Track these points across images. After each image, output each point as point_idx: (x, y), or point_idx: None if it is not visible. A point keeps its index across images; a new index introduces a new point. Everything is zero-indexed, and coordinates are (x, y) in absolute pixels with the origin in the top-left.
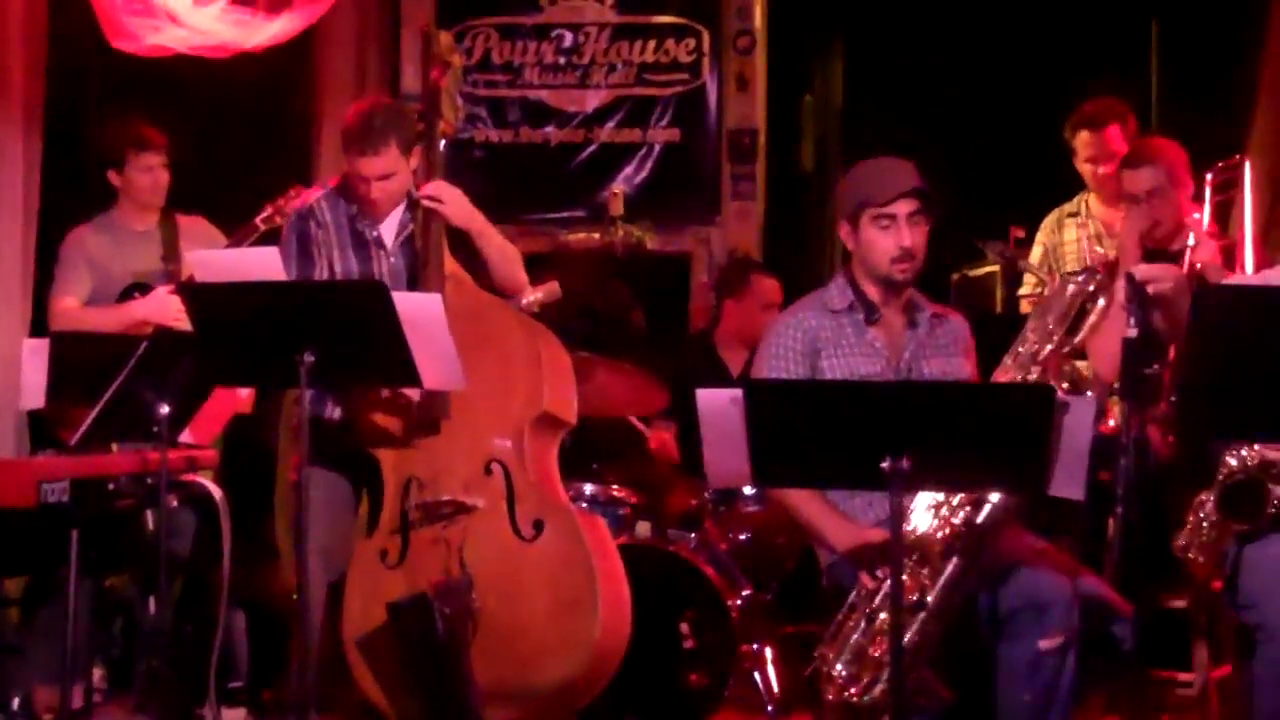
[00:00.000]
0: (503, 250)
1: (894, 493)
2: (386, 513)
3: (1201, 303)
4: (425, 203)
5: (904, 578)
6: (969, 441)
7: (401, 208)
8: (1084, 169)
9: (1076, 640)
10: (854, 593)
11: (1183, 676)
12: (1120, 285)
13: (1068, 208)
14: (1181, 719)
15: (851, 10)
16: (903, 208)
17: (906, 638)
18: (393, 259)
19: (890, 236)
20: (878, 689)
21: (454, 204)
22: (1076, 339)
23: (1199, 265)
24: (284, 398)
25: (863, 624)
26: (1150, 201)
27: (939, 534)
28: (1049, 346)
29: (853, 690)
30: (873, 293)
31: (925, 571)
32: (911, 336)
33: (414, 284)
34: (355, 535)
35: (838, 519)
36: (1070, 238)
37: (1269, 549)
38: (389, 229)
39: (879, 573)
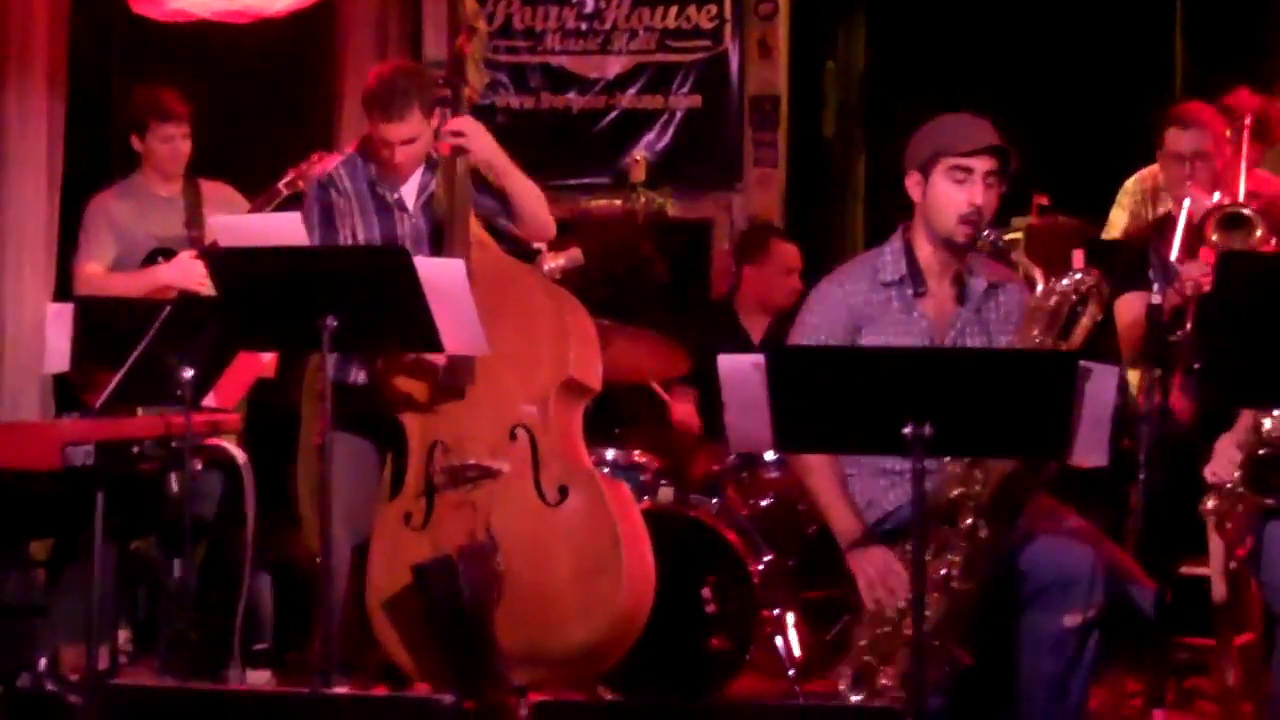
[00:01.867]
0: (527, 188)
1: (916, 458)
2: (411, 476)
3: (1226, 269)
4: (450, 139)
5: (903, 596)
6: (991, 408)
7: (422, 168)
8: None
9: (1101, 615)
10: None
11: (1204, 643)
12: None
13: (1158, 179)
14: (1202, 685)
15: None
16: (981, 164)
17: (929, 613)
18: (414, 220)
19: (963, 191)
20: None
21: (477, 138)
22: (1068, 344)
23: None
24: (307, 362)
25: (871, 643)
26: (1194, 163)
27: (938, 567)
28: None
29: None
30: (929, 257)
31: (950, 547)
32: (959, 313)
33: (437, 244)
34: (380, 498)
35: (849, 512)
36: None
37: None
38: (409, 191)
39: (880, 598)
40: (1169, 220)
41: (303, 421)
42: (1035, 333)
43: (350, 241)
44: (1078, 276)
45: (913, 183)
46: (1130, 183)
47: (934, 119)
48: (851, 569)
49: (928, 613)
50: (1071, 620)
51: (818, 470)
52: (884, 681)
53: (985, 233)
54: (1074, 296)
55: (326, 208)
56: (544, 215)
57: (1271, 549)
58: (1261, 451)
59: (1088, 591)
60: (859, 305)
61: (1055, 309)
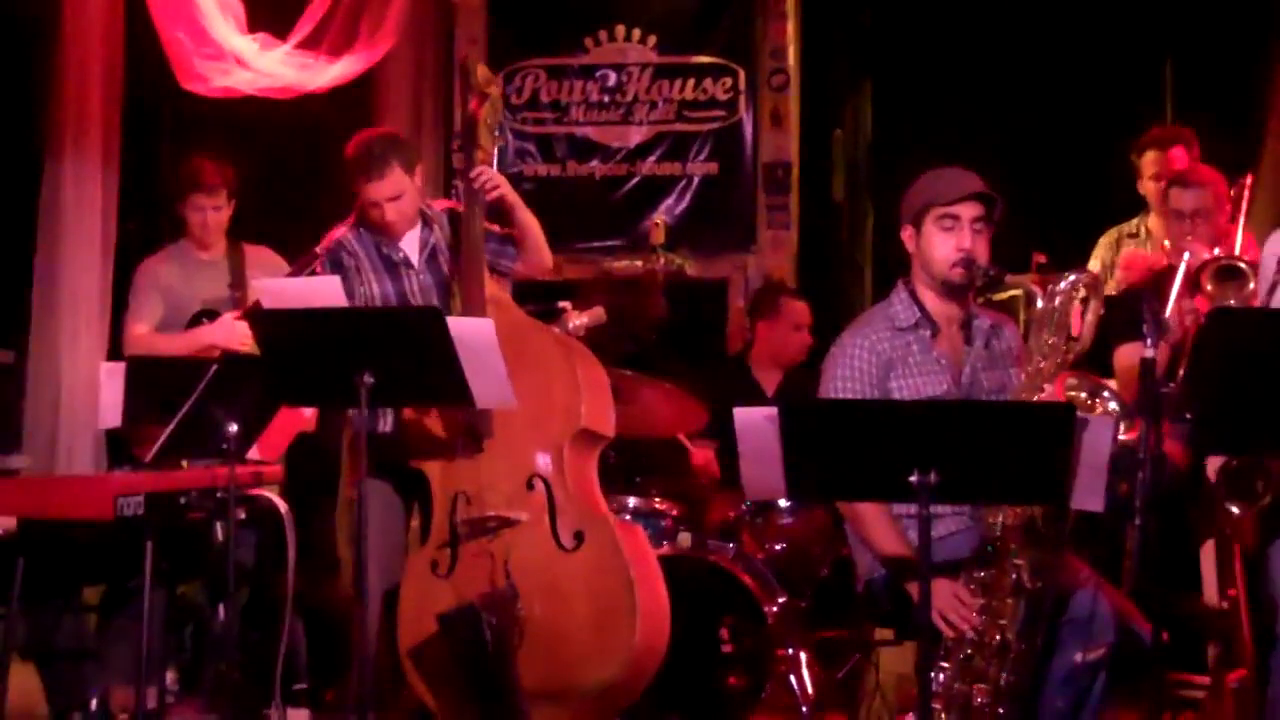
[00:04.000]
0: (533, 221)
1: (922, 505)
2: (435, 526)
3: (1211, 324)
4: (482, 185)
5: (977, 621)
6: (993, 457)
7: (419, 227)
8: (1148, 187)
9: (1111, 653)
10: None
11: (1198, 679)
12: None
13: (1126, 228)
14: (1196, 718)
15: (880, 50)
16: (967, 210)
17: (1002, 679)
18: (421, 275)
19: (952, 237)
20: None
21: (494, 180)
22: (1079, 344)
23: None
24: (345, 416)
25: (957, 670)
26: (1194, 220)
27: (1007, 576)
28: (1056, 360)
29: None
30: (932, 303)
31: (1000, 612)
32: (970, 351)
33: (445, 297)
34: (410, 545)
35: (907, 551)
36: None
37: None
38: (411, 248)
39: (954, 623)
40: (1166, 274)
41: (342, 472)
42: (1046, 336)
43: (365, 299)
44: (1073, 277)
45: (907, 236)
46: (1103, 237)
47: (922, 175)
48: (913, 599)
49: (1006, 621)
50: (1084, 657)
51: (872, 520)
52: (979, 700)
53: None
54: (1076, 296)
55: (340, 270)
56: (547, 250)
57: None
58: (1234, 462)
59: (1102, 629)
60: (886, 352)
61: (1060, 310)
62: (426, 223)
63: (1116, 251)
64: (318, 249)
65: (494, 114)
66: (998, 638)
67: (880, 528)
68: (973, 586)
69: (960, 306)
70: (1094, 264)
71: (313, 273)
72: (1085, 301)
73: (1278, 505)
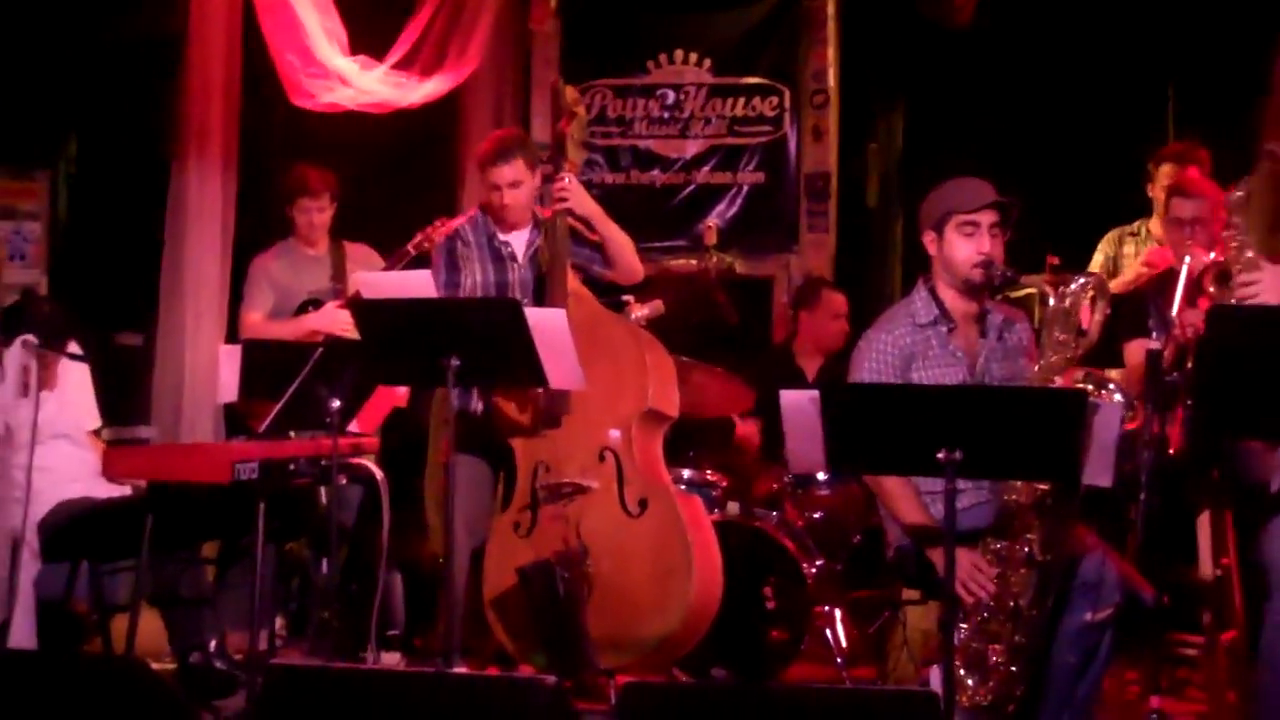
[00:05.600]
0: (620, 237)
1: (948, 479)
2: (518, 491)
3: (1213, 320)
4: (557, 196)
5: (992, 587)
6: (1013, 437)
7: (530, 227)
8: (1158, 194)
9: (1118, 613)
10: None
11: (1194, 639)
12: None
13: (1128, 228)
14: (1193, 676)
15: (911, 72)
16: (986, 217)
17: (1015, 640)
18: (523, 270)
19: (973, 242)
20: (1004, 689)
21: (577, 195)
22: (1086, 338)
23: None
24: (434, 394)
25: (974, 631)
26: (1193, 227)
27: (1021, 549)
28: (1066, 355)
29: (981, 694)
30: (951, 300)
31: (1013, 580)
32: (984, 344)
33: (540, 291)
34: (494, 509)
35: (931, 523)
36: (1128, 251)
37: None
38: (520, 245)
39: (973, 590)
40: (1170, 275)
41: (430, 443)
42: (1057, 333)
43: (471, 283)
44: (1083, 280)
45: (929, 240)
46: (1106, 235)
47: (941, 185)
48: (936, 566)
49: (1019, 589)
50: (1094, 617)
51: (897, 495)
52: (994, 659)
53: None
54: (1085, 297)
55: (452, 256)
56: (634, 260)
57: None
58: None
59: (1110, 592)
60: (908, 345)
61: (1070, 309)
62: (536, 225)
63: (1118, 248)
64: (410, 246)
65: (580, 131)
66: (1011, 604)
67: (905, 501)
68: (989, 557)
69: (977, 303)
70: (1097, 258)
71: (406, 266)
72: (1094, 301)
73: None
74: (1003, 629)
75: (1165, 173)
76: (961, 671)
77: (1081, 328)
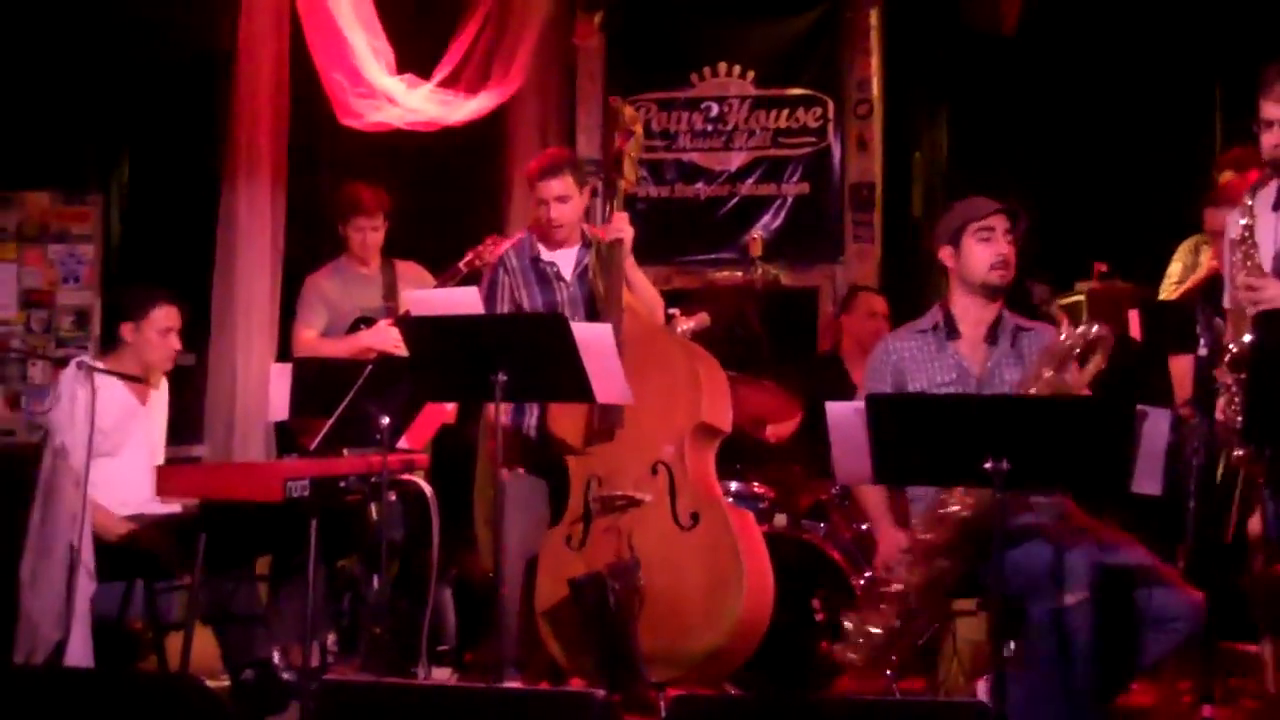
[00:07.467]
0: (649, 292)
1: (996, 489)
2: (571, 504)
3: (1265, 327)
4: (612, 231)
5: (903, 572)
6: (1061, 447)
7: (578, 245)
8: None
9: (1095, 598)
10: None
11: (1248, 648)
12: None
13: (1203, 236)
14: (1246, 684)
15: (954, 82)
16: (1000, 223)
17: (898, 622)
18: (571, 288)
19: (990, 246)
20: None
21: (628, 233)
22: (1075, 381)
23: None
24: (483, 410)
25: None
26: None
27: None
28: (1046, 393)
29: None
30: (963, 307)
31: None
32: (992, 350)
33: (592, 309)
34: (546, 523)
35: (888, 525)
36: (1204, 261)
37: None
38: (567, 263)
39: (884, 572)
40: (1216, 281)
41: (479, 459)
42: (1045, 370)
43: (514, 308)
44: (1091, 329)
45: (946, 254)
46: (1183, 243)
47: (950, 206)
48: (881, 555)
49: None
50: (1067, 599)
51: (871, 499)
52: (870, 628)
53: (1038, 287)
54: (1083, 344)
55: (493, 284)
56: (655, 307)
57: None
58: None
59: (1082, 574)
60: (900, 351)
61: (1067, 351)
62: (585, 243)
63: (1196, 255)
64: (460, 264)
65: (637, 148)
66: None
67: (874, 506)
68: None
69: (993, 309)
70: (1175, 267)
71: (458, 284)
72: (1084, 356)
73: None
74: (895, 604)
75: (1226, 179)
76: (848, 624)
77: (1066, 377)
